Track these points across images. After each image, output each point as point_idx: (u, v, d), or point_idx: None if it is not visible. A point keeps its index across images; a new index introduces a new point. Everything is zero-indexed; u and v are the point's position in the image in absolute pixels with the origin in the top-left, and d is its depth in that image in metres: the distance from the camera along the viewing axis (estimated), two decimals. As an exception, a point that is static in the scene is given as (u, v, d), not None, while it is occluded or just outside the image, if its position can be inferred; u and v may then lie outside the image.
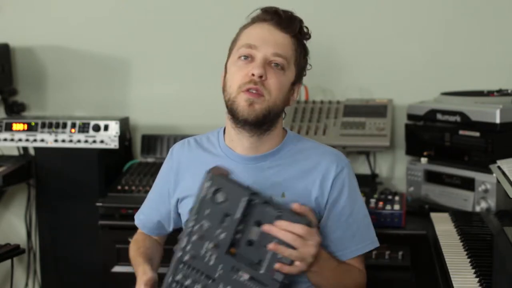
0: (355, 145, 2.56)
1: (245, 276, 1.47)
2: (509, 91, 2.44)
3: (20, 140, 2.74)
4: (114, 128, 2.68)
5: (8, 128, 2.75)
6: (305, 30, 1.70)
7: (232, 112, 1.63)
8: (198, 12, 2.81)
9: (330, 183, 1.65)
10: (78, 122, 2.71)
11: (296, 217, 1.46)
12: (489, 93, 2.45)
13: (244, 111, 1.60)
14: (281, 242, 1.44)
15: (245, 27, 1.69)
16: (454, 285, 1.62)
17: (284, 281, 1.45)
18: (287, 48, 1.64)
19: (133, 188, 2.59)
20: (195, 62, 2.86)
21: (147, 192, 2.51)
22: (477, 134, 2.29)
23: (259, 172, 1.67)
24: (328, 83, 2.81)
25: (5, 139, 2.75)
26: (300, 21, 1.69)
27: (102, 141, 2.67)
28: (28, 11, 2.99)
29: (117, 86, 2.97)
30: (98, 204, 2.52)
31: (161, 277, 1.59)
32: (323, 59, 2.79)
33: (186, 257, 1.51)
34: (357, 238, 1.67)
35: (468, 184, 2.32)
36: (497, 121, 2.22)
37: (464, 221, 2.12)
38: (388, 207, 2.28)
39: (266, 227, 1.46)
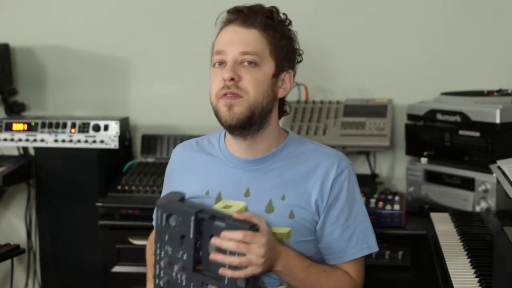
0: (355, 145, 2.56)
1: None
2: (509, 91, 2.44)
3: (20, 140, 2.74)
4: (114, 128, 2.68)
5: (8, 128, 2.75)
6: (280, 17, 1.66)
7: (218, 120, 1.63)
8: (198, 12, 2.81)
9: (330, 184, 1.64)
10: (78, 122, 2.71)
11: (238, 224, 1.50)
12: (489, 93, 2.45)
13: (225, 116, 1.60)
14: (231, 252, 1.49)
15: (216, 34, 1.68)
16: (454, 285, 1.62)
17: (248, 287, 1.51)
18: (256, 43, 1.60)
19: (133, 188, 2.59)
20: (195, 62, 2.84)
21: (147, 192, 2.54)
22: (477, 134, 2.29)
23: (259, 174, 1.66)
24: (328, 83, 2.81)
25: (5, 139, 2.75)
26: (269, 11, 1.64)
27: (102, 141, 2.67)
28: (28, 11, 2.99)
29: (117, 86, 2.97)
30: (98, 204, 2.51)
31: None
32: (323, 59, 2.79)
33: (162, 283, 1.60)
34: (353, 242, 1.65)
35: (468, 184, 2.32)
36: (497, 121, 2.22)
37: (464, 221, 2.12)
38: (388, 207, 2.28)
39: (213, 240, 1.51)
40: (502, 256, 1.44)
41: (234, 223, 1.51)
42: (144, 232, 2.07)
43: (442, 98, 2.51)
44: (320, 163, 1.66)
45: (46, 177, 2.78)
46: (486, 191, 2.26)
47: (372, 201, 2.32)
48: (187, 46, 2.86)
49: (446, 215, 2.23)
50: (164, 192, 1.83)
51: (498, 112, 2.22)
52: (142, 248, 1.97)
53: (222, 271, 1.50)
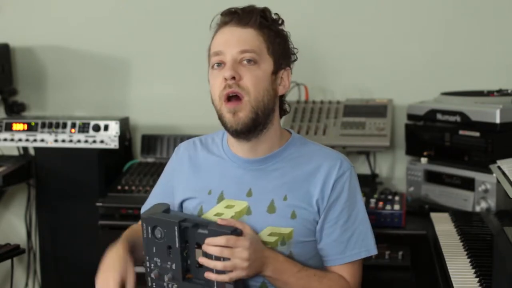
0: (355, 145, 2.56)
1: None
2: (509, 91, 2.44)
3: (20, 140, 2.74)
4: (114, 128, 2.68)
5: (8, 128, 2.75)
6: (273, 16, 1.67)
7: (223, 124, 1.63)
8: (198, 12, 2.81)
9: (331, 185, 1.64)
10: (78, 122, 2.71)
11: (221, 229, 1.53)
12: (489, 93, 2.45)
13: (231, 122, 1.60)
14: (217, 257, 1.52)
15: (212, 37, 1.68)
16: (454, 285, 1.62)
17: None
18: (254, 41, 1.61)
19: (133, 188, 2.59)
20: (195, 62, 2.83)
21: (147, 192, 2.53)
22: (477, 134, 2.29)
23: (262, 174, 1.67)
24: (328, 83, 2.81)
25: (5, 139, 2.75)
26: (263, 11, 1.65)
27: (102, 141, 2.67)
28: (28, 11, 3.00)
29: (117, 86, 2.97)
30: (98, 204, 2.52)
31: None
32: (324, 59, 2.79)
33: None
34: (351, 244, 1.65)
35: (468, 184, 2.32)
36: (497, 121, 2.22)
37: (464, 221, 2.12)
38: (388, 207, 2.28)
39: (201, 247, 1.54)
40: (502, 256, 1.44)
41: (216, 229, 1.53)
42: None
43: (442, 98, 2.51)
44: (322, 164, 1.66)
45: (46, 177, 2.78)
46: (486, 191, 2.26)
47: (372, 201, 2.32)
48: (187, 46, 2.86)
49: (446, 215, 2.23)
50: (160, 184, 1.83)
51: (498, 112, 2.22)
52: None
53: (207, 274, 1.53)
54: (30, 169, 2.81)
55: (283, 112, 1.74)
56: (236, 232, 1.53)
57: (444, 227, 2.09)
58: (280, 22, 1.69)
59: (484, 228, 2.02)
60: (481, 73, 2.67)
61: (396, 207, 2.28)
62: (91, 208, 2.53)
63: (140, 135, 2.86)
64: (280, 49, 1.66)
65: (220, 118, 1.63)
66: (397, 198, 2.36)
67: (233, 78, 1.58)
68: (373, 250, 1.67)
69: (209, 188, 1.69)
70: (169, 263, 1.59)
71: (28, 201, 2.98)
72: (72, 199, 2.73)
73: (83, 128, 2.69)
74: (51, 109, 3.02)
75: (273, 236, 1.62)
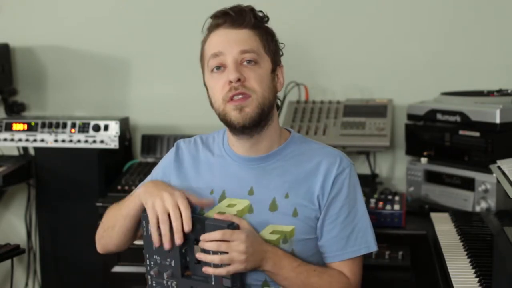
0: (355, 145, 2.56)
1: None
2: (509, 91, 2.44)
3: (20, 140, 2.74)
4: (114, 128, 2.68)
5: (8, 128, 2.75)
6: (260, 15, 1.67)
7: (227, 123, 1.63)
8: (198, 12, 2.80)
9: (331, 182, 1.64)
10: (78, 122, 2.71)
11: (217, 224, 1.53)
12: (489, 93, 2.45)
13: (238, 119, 1.59)
14: (215, 252, 1.52)
15: (204, 40, 1.68)
16: (454, 285, 1.62)
17: (234, 285, 1.54)
18: (251, 41, 1.62)
19: (133, 188, 2.58)
20: (195, 62, 2.83)
21: (147, 192, 2.52)
22: (477, 134, 2.29)
23: (263, 173, 1.67)
24: (328, 83, 2.81)
25: (5, 139, 2.75)
26: (252, 10, 1.65)
27: (102, 141, 2.67)
28: (28, 11, 3.00)
29: (117, 86, 2.97)
30: (98, 204, 2.52)
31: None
32: (324, 59, 2.79)
33: None
34: (351, 241, 1.65)
35: (468, 184, 2.32)
36: (497, 121, 2.22)
37: (464, 221, 2.12)
38: (388, 207, 2.28)
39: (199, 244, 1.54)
40: (502, 256, 1.44)
41: (213, 224, 1.53)
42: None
43: (442, 98, 2.51)
44: (322, 162, 1.66)
45: (46, 177, 2.78)
46: (486, 191, 2.26)
47: (372, 201, 2.32)
48: (187, 46, 2.84)
49: (446, 215, 2.23)
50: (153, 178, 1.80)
51: (498, 112, 2.22)
52: (142, 248, 1.96)
53: (205, 269, 1.53)
54: (30, 169, 2.81)
55: (277, 108, 1.75)
56: (233, 226, 1.54)
57: (444, 227, 2.09)
58: (266, 20, 1.69)
59: (484, 228, 2.02)
60: (481, 73, 2.67)
61: (396, 207, 2.28)
62: (91, 208, 2.53)
63: (140, 135, 2.87)
64: (273, 47, 1.67)
65: (224, 117, 1.62)
66: (397, 198, 2.36)
67: (239, 80, 1.58)
68: (373, 247, 1.67)
69: (211, 188, 1.69)
70: (168, 260, 1.59)
71: (28, 201, 2.98)
72: (72, 199, 2.73)
73: (83, 128, 2.69)
74: (51, 109, 3.02)
75: (275, 234, 1.62)
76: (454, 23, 2.70)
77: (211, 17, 1.66)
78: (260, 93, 1.60)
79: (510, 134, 2.25)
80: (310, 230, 1.64)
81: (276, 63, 1.68)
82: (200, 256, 1.54)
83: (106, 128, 2.68)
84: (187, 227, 1.52)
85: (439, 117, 2.42)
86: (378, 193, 2.42)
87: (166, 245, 1.54)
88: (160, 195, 1.56)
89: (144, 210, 1.62)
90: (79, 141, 2.69)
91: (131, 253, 2.45)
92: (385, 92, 2.73)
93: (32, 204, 2.97)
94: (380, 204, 2.30)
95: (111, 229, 1.72)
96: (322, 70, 2.80)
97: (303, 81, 2.75)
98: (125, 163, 2.79)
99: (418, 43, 2.72)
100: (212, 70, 1.63)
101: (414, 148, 2.55)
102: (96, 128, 2.68)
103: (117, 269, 2.50)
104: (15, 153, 2.97)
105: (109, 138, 2.67)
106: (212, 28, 1.66)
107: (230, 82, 1.58)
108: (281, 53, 1.72)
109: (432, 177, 2.46)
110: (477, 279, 1.63)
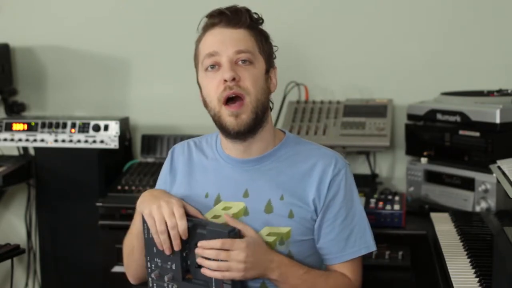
0: (355, 145, 2.56)
1: None
2: (509, 91, 2.44)
3: (20, 140, 2.74)
4: (114, 128, 2.68)
5: (8, 128, 2.75)
6: (255, 16, 1.67)
7: (221, 127, 1.63)
8: (198, 12, 2.80)
9: (327, 184, 1.64)
10: (78, 122, 2.71)
11: (219, 230, 1.54)
12: (489, 93, 2.45)
13: (232, 125, 1.59)
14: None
15: (199, 39, 1.68)
16: (454, 285, 1.62)
17: None
18: (247, 41, 1.62)
19: (133, 188, 2.59)
20: (195, 62, 2.86)
21: (147, 192, 2.53)
22: (477, 134, 2.29)
23: (258, 175, 1.67)
24: (328, 83, 2.80)
25: (5, 139, 2.75)
26: (247, 11, 1.65)
27: (102, 141, 2.67)
28: (28, 11, 3.00)
29: (117, 86, 2.97)
30: (98, 204, 2.51)
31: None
32: (324, 59, 2.79)
33: None
34: (351, 242, 1.65)
35: (468, 184, 2.32)
36: (497, 121, 2.22)
37: (464, 221, 2.12)
38: (388, 207, 2.28)
39: (196, 250, 1.54)
40: (502, 256, 1.44)
41: (215, 230, 1.54)
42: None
43: (442, 98, 2.51)
44: (317, 163, 1.66)
45: (46, 177, 2.79)
46: (486, 191, 2.26)
47: (372, 201, 2.32)
48: (187, 46, 2.82)
49: (446, 215, 2.23)
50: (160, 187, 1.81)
51: (498, 112, 2.22)
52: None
53: (203, 270, 1.53)
54: (30, 169, 2.81)
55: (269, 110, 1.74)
56: (234, 232, 1.54)
57: (444, 227, 2.09)
58: (261, 22, 1.69)
59: (484, 228, 2.02)
60: (481, 73, 2.67)
61: (396, 207, 2.28)
62: (91, 208, 2.53)
63: (140, 135, 2.86)
64: (267, 48, 1.67)
65: (219, 120, 1.62)
66: (397, 198, 2.36)
67: (233, 79, 1.58)
68: (372, 247, 1.67)
69: (206, 191, 1.68)
70: (169, 263, 1.60)
71: (28, 201, 2.98)
72: (72, 199, 2.73)
73: (83, 128, 2.69)
74: (51, 109, 3.02)
75: (271, 236, 1.61)
76: (453, 23, 2.70)
77: (207, 16, 1.66)
78: (254, 95, 1.60)
79: (510, 134, 2.25)
80: (306, 231, 1.64)
81: (270, 64, 1.68)
82: (199, 260, 1.54)
83: (106, 128, 2.68)
84: (183, 236, 1.55)
85: (439, 117, 2.42)
86: (378, 193, 2.42)
87: (167, 252, 1.56)
88: (157, 203, 1.58)
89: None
90: (79, 141, 2.69)
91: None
92: (385, 92, 2.73)
93: (32, 204, 2.97)
94: (380, 204, 2.30)
95: (131, 254, 1.72)
96: (322, 70, 2.80)
97: (303, 81, 2.75)
98: (125, 163, 2.79)
99: (418, 43, 2.72)
100: (206, 69, 1.63)
101: (414, 148, 2.55)
102: (96, 128, 2.68)
103: (117, 269, 2.50)
104: (15, 153, 2.97)
105: (109, 138, 2.67)
106: (207, 28, 1.66)
107: (225, 81, 1.58)
108: (274, 56, 1.72)
109: (432, 177, 2.46)
110: (477, 279, 1.63)
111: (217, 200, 1.66)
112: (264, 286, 1.62)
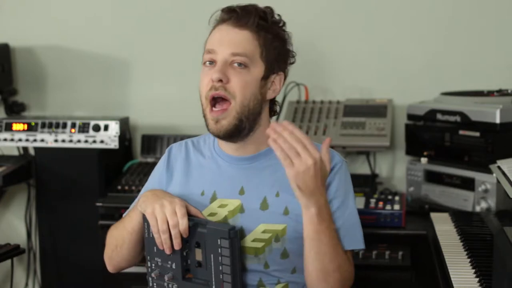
0: (355, 145, 2.56)
1: None
2: (509, 91, 2.44)
3: (20, 140, 2.74)
4: (114, 128, 2.68)
5: (8, 128, 2.75)
6: (274, 18, 1.65)
7: (206, 126, 1.64)
8: (198, 12, 2.80)
9: None
10: (78, 122, 2.71)
11: (219, 228, 1.54)
12: (489, 93, 2.45)
13: (212, 129, 1.62)
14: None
15: (210, 32, 1.67)
16: (454, 285, 1.62)
17: None
18: (247, 44, 1.60)
19: (133, 188, 2.59)
20: (195, 62, 2.82)
21: (147, 192, 2.52)
22: (477, 134, 2.29)
23: (253, 172, 1.67)
24: (328, 83, 2.81)
25: (5, 139, 2.75)
26: (264, 11, 1.63)
27: (102, 141, 2.68)
28: (28, 11, 3.00)
29: (117, 86, 2.97)
30: (98, 204, 2.52)
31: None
32: (324, 59, 2.79)
33: None
34: (340, 233, 1.61)
35: (468, 184, 2.32)
36: (497, 121, 2.22)
37: (464, 221, 2.12)
38: (388, 207, 2.28)
39: (268, 131, 1.48)
40: (502, 256, 1.44)
41: (215, 228, 1.54)
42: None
43: (442, 98, 2.51)
44: None
45: (46, 177, 2.79)
46: (486, 191, 2.26)
47: (372, 201, 2.32)
48: (187, 46, 2.85)
49: (446, 215, 2.23)
50: (148, 186, 1.79)
51: (498, 112, 2.22)
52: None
53: (271, 141, 1.48)
54: (30, 169, 2.81)
55: (273, 113, 1.74)
56: (234, 229, 1.53)
57: (444, 227, 2.09)
58: (281, 24, 1.68)
59: (484, 228, 2.02)
60: (481, 73, 2.67)
61: (396, 207, 2.28)
62: (91, 208, 2.53)
63: (140, 135, 2.87)
64: (275, 53, 1.65)
65: (205, 119, 1.64)
66: (397, 198, 2.36)
67: (220, 81, 1.58)
68: (361, 244, 1.64)
69: (202, 189, 1.68)
70: (169, 262, 1.60)
71: (28, 201, 2.98)
72: (72, 199, 2.73)
73: (83, 128, 2.69)
74: (51, 109, 3.02)
75: (267, 233, 1.61)
76: (454, 23, 2.70)
77: (221, 10, 1.66)
78: (240, 99, 1.59)
79: (510, 134, 2.25)
80: (302, 227, 1.63)
81: (271, 70, 1.65)
82: (269, 132, 1.48)
83: (106, 128, 2.68)
84: (184, 234, 1.55)
85: (439, 117, 2.42)
86: (378, 193, 2.42)
87: (167, 251, 1.56)
88: (159, 202, 1.57)
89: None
90: (79, 141, 2.69)
91: (131, 253, 2.46)
92: (385, 92, 2.73)
93: (32, 204, 2.97)
94: (380, 204, 2.30)
95: (120, 247, 1.72)
96: (322, 70, 2.80)
97: (303, 81, 2.75)
98: (125, 163, 2.79)
99: (418, 43, 2.72)
100: (204, 63, 1.64)
101: (414, 148, 2.55)
102: (96, 128, 2.68)
103: (117, 269, 2.49)
104: (15, 153, 2.97)
105: (109, 138, 2.67)
106: (217, 22, 1.66)
107: (213, 81, 1.59)
108: (291, 60, 1.71)
109: (432, 177, 2.46)
110: (477, 279, 1.63)
111: (213, 198, 1.67)
112: (261, 283, 1.62)
